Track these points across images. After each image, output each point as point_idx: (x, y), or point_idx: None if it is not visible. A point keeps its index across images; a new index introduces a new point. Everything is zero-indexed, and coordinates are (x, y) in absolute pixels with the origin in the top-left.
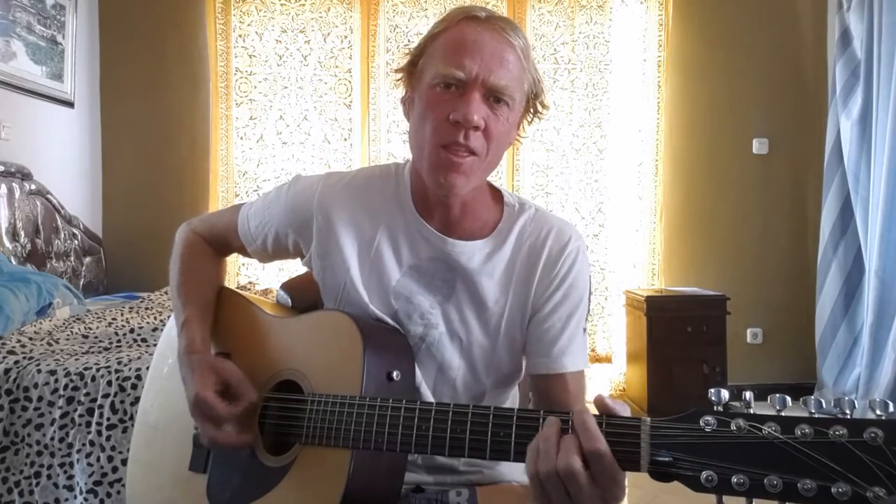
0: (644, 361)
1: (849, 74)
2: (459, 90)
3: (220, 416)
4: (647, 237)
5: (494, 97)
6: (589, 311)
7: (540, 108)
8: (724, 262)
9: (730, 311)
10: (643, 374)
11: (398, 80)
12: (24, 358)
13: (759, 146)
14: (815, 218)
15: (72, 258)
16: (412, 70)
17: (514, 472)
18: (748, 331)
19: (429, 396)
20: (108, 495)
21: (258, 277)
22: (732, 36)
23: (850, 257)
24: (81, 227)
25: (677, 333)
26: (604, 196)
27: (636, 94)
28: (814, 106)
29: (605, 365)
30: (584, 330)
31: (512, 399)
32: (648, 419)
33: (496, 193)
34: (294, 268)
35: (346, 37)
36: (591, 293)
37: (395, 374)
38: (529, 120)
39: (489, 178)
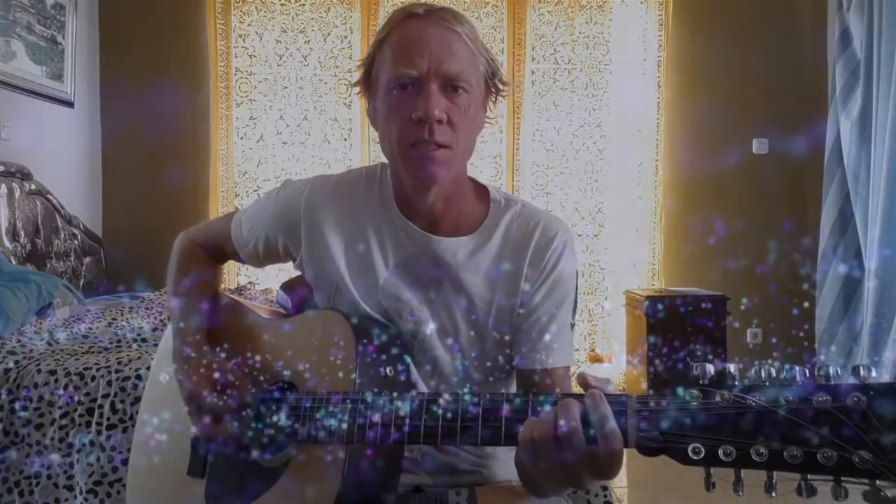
0: (644, 361)
1: (848, 74)
2: (416, 88)
3: (216, 410)
4: (647, 237)
5: (451, 86)
6: (576, 307)
7: (500, 85)
8: (724, 262)
9: (730, 311)
10: (643, 375)
11: (358, 93)
12: (24, 358)
13: (759, 146)
14: (815, 218)
15: (72, 258)
16: (368, 81)
17: (514, 472)
18: (748, 331)
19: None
20: (108, 495)
21: (258, 277)
22: (732, 36)
23: (850, 257)
24: (81, 227)
25: (677, 334)
26: (604, 196)
27: (636, 94)
28: (813, 106)
29: (605, 365)
30: (572, 326)
31: None
32: (634, 395)
33: (482, 190)
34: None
35: (346, 37)
36: (577, 289)
37: (388, 370)
38: (494, 100)
39: (479, 179)
